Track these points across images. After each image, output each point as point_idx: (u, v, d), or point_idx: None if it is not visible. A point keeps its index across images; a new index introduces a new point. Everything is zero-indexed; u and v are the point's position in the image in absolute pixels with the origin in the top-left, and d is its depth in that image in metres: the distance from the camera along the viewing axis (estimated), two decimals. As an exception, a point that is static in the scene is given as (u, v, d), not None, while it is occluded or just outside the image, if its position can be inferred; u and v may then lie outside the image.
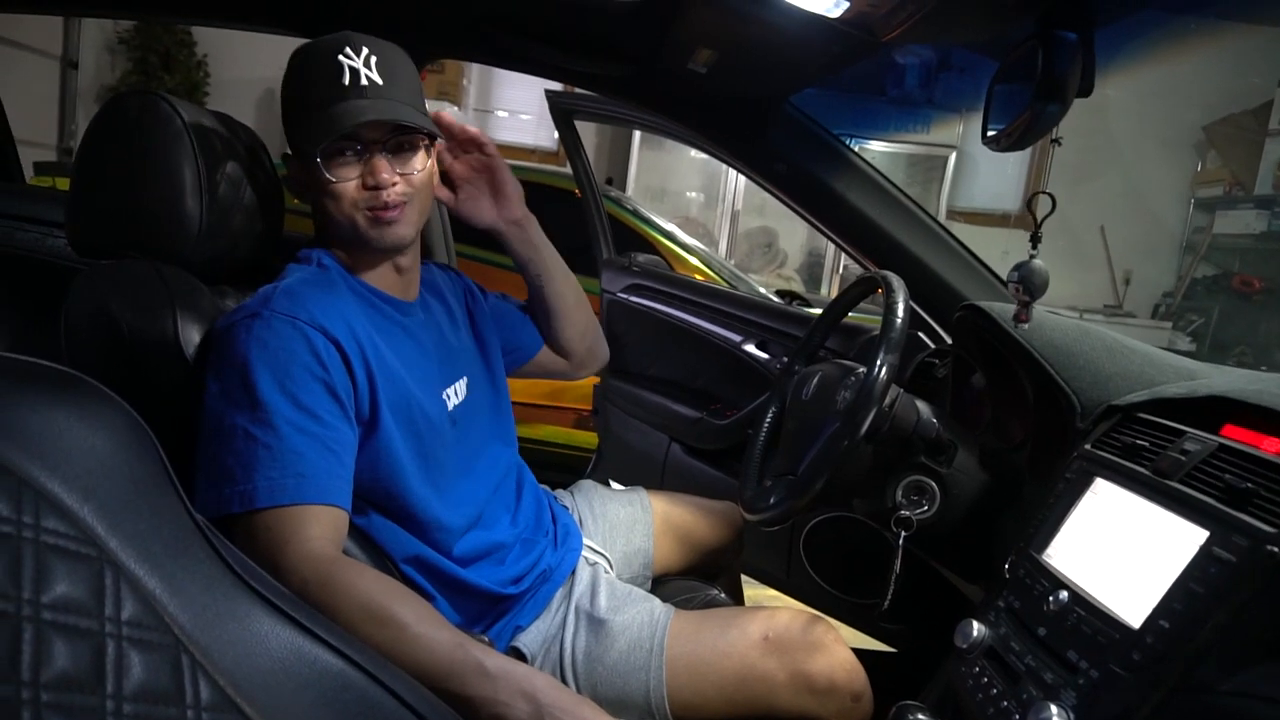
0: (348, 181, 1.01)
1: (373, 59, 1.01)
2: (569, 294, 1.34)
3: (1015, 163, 6.64)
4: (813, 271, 6.56)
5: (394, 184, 1.02)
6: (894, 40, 0.96)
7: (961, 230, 6.34)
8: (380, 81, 1.01)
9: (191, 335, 0.96)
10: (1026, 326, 1.01)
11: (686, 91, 1.43)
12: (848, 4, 0.92)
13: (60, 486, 0.54)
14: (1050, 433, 1.06)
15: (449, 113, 1.18)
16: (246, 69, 5.81)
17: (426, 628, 0.87)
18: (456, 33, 1.43)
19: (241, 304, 0.98)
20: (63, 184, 3.18)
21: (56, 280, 1.09)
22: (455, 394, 1.14)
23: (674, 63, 1.30)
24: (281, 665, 0.61)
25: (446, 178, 1.22)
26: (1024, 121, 0.82)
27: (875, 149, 6.58)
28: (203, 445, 0.91)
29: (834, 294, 5.81)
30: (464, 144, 1.20)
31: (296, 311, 0.93)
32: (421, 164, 1.05)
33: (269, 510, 0.87)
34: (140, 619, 0.54)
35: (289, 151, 1.07)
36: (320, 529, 0.89)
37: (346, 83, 0.99)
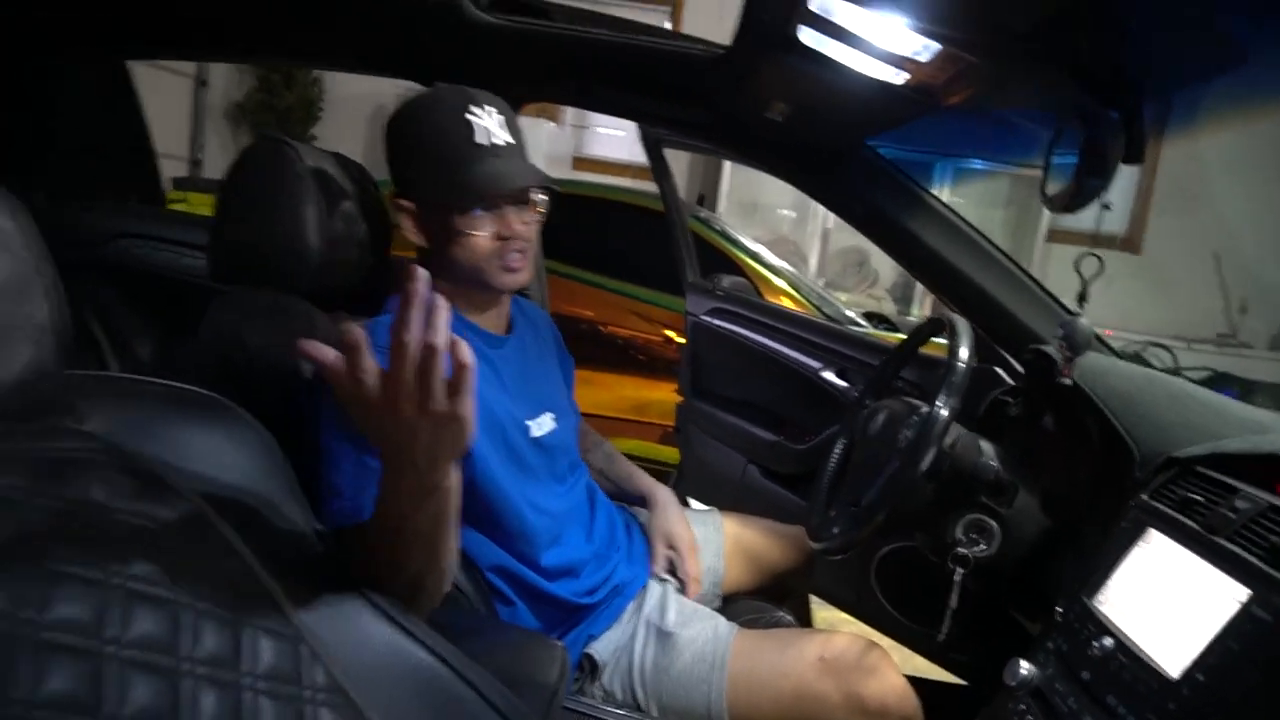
0: (483, 235, 1.10)
1: (500, 118, 1.11)
2: None
3: (1123, 181, 6.38)
4: (905, 291, 6.47)
5: (523, 234, 1.12)
6: (955, 105, 1.01)
7: (1065, 253, 6.14)
8: (512, 141, 1.11)
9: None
10: (1069, 381, 1.03)
11: (763, 136, 1.50)
12: (908, 75, 0.97)
13: (208, 496, 0.65)
14: (1112, 479, 1.08)
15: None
16: (357, 86, 6.14)
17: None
18: (551, 80, 1.53)
19: None
20: (195, 199, 3.46)
21: (189, 295, 1.23)
22: (541, 425, 1.22)
23: (750, 111, 1.37)
24: (382, 660, 0.70)
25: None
26: (1071, 190, 0.85)
27: (976, 169, 6.44)
28: (319, 467, 1.01)
29: (926, 313, 5.72)
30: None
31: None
32: (537, 212, 1.15)
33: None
34: (270, 612, 0.64)
35: (398, 190, 1.15)
36: None
37: (480, 142, 1.08)
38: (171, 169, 5.40)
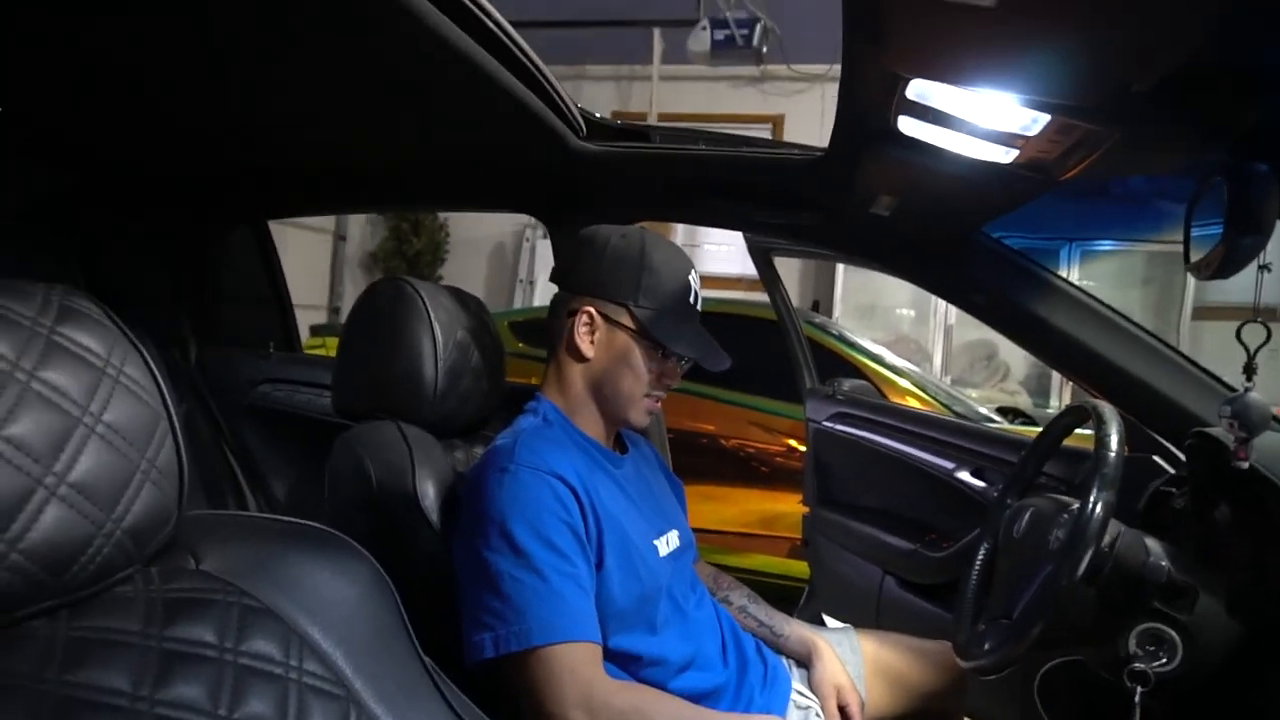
0: (652, 375, 1.16)
1: (699, 286, 1.20)
2: None
3: (1274, 245, 5.93)
4: (1040, 383, 6.13)
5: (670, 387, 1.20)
6: (1072, 179, 0.95)
7: (1216, 328, 5.71)
8: (701, 309, 1.21)
9: (427, 488, 1.09)
10: (1246, 465, 0.92)
11: (873, 233, 1.47)
12: (1017, 151, 0.93)
13: (319, 633, 0.64)
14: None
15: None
16: (478, 229, 6.59)
17: None
18: (656, 199, 1.57)
19: (486, 457, 1.08)
20: (333, 344, 3.69)
21: (325, 434, 1.28)
22: (667, 543, 1.20)
23: (857, 209, 1.35)
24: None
25: None
26: (1220, 254, 0.78)
27: (1106, 249, 6.16)
28: (470, 591, 1.00)
29: (1066, 404, 5.38)
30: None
31: (538, 463, 1.03)
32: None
33: (544, 648, 0.94)
34: (378, 754, 0.62)
35: (583, 294, 1.16)
36: (585, 662, 0.96)
37: (692, 302, 1.18)
38: (314, 318, 5.83)
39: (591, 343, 1.15)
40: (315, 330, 4.12)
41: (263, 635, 0.60)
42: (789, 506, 3.17)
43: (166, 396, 0.61)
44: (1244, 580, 1.07)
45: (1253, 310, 0.84)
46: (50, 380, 0.52)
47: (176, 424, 0.61)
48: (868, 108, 0.98)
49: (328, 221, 6.57)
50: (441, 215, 6.73)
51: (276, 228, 2.24)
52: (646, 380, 1.16)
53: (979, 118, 0.89)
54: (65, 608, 0.53)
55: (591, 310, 1.15)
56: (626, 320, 1.14)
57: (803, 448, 2.49)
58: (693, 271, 1.19)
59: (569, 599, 0.97)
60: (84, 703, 0.49)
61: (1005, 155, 0.96)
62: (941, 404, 3.37)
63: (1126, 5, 0.57)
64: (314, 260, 6.51)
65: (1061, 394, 5.94)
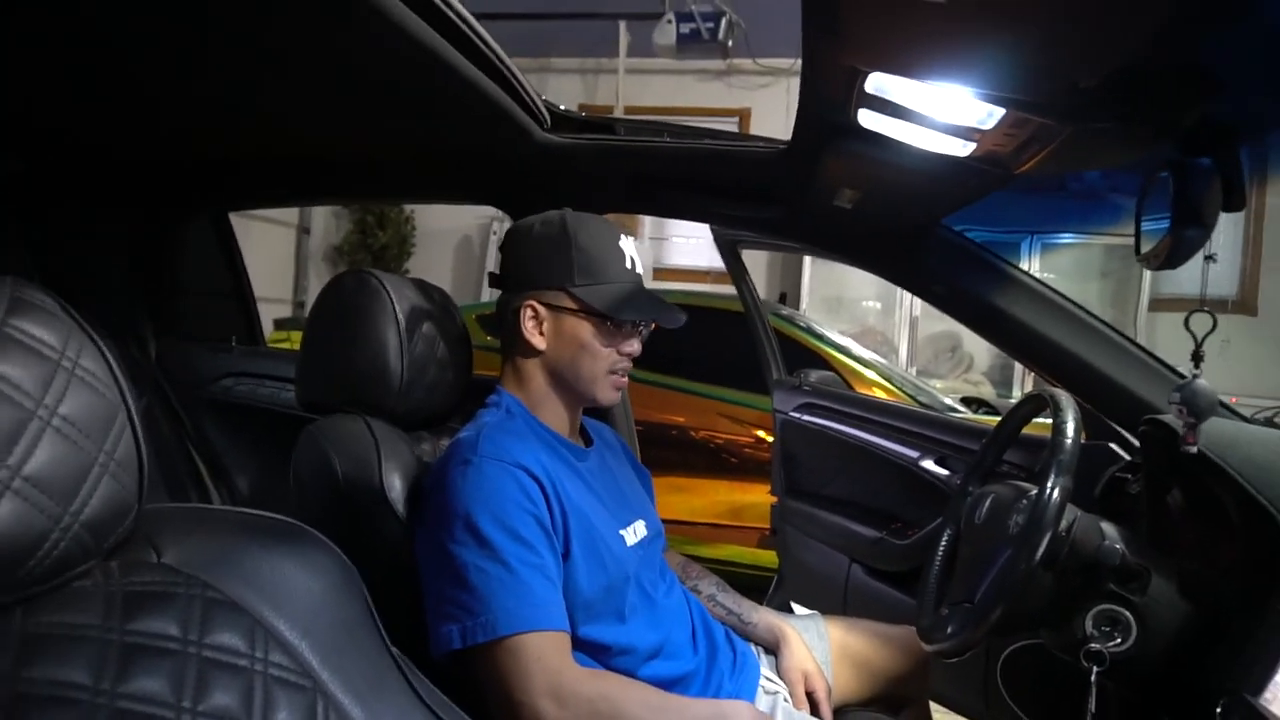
0: (609, 350, 1.15)
1: (635, 250, 1.18)
2: None
3: (1229, 242, 6.08)
4: (1004, 374, 6.23)
5: (633, 356, 1.18)
6: (1027, 172, 0.97)
7: (1171, 319, 5.84)
8: (642, 272, 1.19)
9: (393, 481, 1.09)
10: (1194, 450, 0.94)
11: (835, 226, 1.48)
12: (974, 144, 0.95)
13: (284, 625, 0.64)
14: (1258, 557, 0.97)
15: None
16: (445, 221, 6.54)
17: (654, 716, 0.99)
18: (622, 191, 1.57)
19: (450, 450, 1.08)
20: (297, 337, 3.64)
21: (290, 428, 1.27)
22: (634, 533, 1.20)
23: (819, 202, 1.36)
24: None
25: None
26: (1167, 245, 0.80)
27: (1065, 242, 6.26)
28: (435, 584, 1.00)
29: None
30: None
31: (501, 455, 1.03)
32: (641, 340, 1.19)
33: (510, 638, 0.95)
34: (343, 745, 0.61)
35: (521, 290, 1.15)
36: (553, 651, 0.97)
37: (629, 267, 1.16)
38: (278, 311, 5.75)
39: (541, 334, 1.15)
40: (279, 324, 4.07)
41: (227, 628, 0.60)
42: (757, 497, 3.20)
43: (124, 387, 0.60)
44: (1194, 562, 1.10)
45: (1199, 300, 0.87)
46: (1, 373, 0.51)
47: (135, 415, 0.60)
48: (828, 101, 0.99)
49: (291, 214, 6.47)
50: (407, 208, 6.66)
51: (239, 221, 2.20)
52: (605, 356, 1.15)
53: (936, 111, 0.91)
54: (22, 603, 0.53)
55: (533, 303, 1.15)
56: (568, 303, 1.14)
57: (770, 438, 2.51)
58: (623, 238, 1.18)
59: (535, 589, 0.97)
60: (42, 698, 0.49)
61: (963, 148, 0.98)
62: (906, 394, 3.42)
63: (1068, 5, 0.58)
64: (278, 253, 6.42)
65: (1024, 384, 6.03)
